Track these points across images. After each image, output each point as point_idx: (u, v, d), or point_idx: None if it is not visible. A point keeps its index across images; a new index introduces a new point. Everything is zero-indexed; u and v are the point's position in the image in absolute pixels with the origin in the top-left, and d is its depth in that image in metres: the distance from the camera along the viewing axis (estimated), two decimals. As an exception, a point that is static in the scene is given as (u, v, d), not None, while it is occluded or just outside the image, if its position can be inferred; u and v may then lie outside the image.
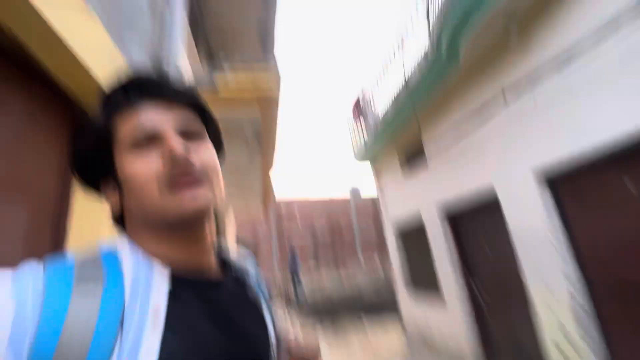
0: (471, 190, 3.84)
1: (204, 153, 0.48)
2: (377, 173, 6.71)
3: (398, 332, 7.71)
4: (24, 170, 1.07)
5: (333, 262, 16.53)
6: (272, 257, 15.60)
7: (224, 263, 0.56)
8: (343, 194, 18.15)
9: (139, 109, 0.47)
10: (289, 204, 16.80)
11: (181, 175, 0.44)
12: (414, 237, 5.56)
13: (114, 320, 0.37)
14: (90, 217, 1.29)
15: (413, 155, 5.43)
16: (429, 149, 4.58)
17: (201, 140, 0.50)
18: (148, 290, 0.41)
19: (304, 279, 12.32)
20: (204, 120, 0.53)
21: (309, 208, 17.25)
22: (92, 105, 1.35)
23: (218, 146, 0.56)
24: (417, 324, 5.42)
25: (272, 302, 0.64)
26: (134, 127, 0.46)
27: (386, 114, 5.07)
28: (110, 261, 0.42)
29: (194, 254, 0.49)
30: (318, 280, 12.71)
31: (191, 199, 0.44)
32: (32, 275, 0.37)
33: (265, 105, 2.17)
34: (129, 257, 0.44)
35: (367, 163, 6.69)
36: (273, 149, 3.18)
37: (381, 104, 5.67)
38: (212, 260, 0.52)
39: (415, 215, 5.23)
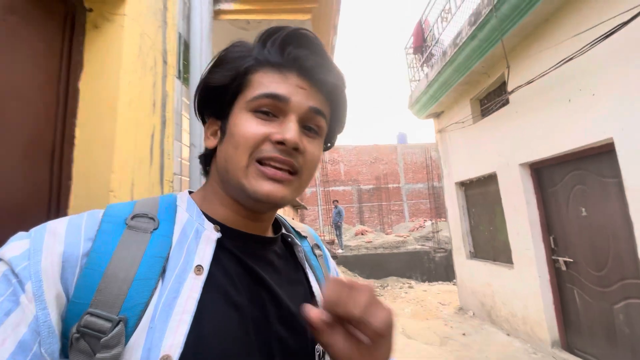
0: (573, 138, 3.03)
1: (312, 151, 0.47)
2: (438, 118, 5.86)
3: (449, 290, 7.45)
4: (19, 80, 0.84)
5: (377, 210, 16.30)
6: (317, 202, 15.75)
7: (281, 237, 0.56)
8: (389, 140, 17.31)
9: (283, 76, 0.46)
10: (333, 150, 16.35)
11: (277, 162, 0.44)
12: (479, 189, 4.90)
13: (155, 269, 0.38)
14: (98, 144, 0.99)
15: (490, 99, 4.53)
16: (515, 90, 3.67)
17: (317, 135, 0.49)
18: (194, 249, 0.42)
19: (346, 232, 12.31)
20: (334, 109, 0.52)
21: (353, 154, 16.70)
22: (99, 8, 1.07)
23: (328, 143, 0.56)
24: (474, 288, 5.00)
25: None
26: (267, 90, 0.45)
27: (460, 48, 4.10)
28: (165, 215, 0.44)
29: (250, 225, 0.49)
30: (361, 231, 12.62)
31: (268, 191, 0.43)
32: (88, 221, 0.40)
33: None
34: (184, 213, 0.46)
35: (424, 109, 5.74)
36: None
37: (453, 33, 4.64)
38: (266, 232, 0.53)
39: (486, 164, 4.50)
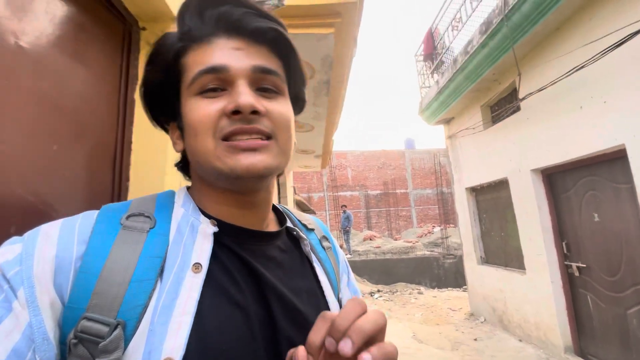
0: (583, 144, 3.08)
1: (277, 110, 0.43)
2: (449, 124, 5.93)
3: (459, 296, 7.44)
4: (79, 98, 0.91)
5: (385, 216, 16.31)
6: (324, 207, 15.83)
7: (285, 230, 0.53)
8: (397, 145, 17.35)
9: (212, 45, 0.42)
10: (341, 155, 16.46)
11: (243, 133, 0.40)
12: (490, 195, 4.94)
13: (152, 270, 0.36)
14: (152, 148, 1.08)
15: (501, 105, 4.59)
16: (526, 97, 3.73)
17: (277, 94, 0.44)
18: (191, 245, 0.40)
19: (354, 237, 12.32)
20: (285, 62, 0.46)
21: (361, 159, 16.78)
22: (151, 27, 1.19)
23: (298, 102, 0.51)
24: (485, 294, 5.02)
25: (341, 275, 0.59)
26: (202, 66, 0.41)
27: (472, 55, 4.19)
28: (162, 212, 0.42)
29: (247, 216, 0.46)
30: (369, 236, 12.64)
31: (248, 163, 0.40)
32: (82, 223, 0.38)
33: (343, 15, 1.67)
34: (180, 209, 0.44)
35: (434, 116, 5.82)
36: (340, 95, 2.73)
37: (463, 41, 4.73)
38: (267, 225, 0.50)
39: (497, 170, 4.55)
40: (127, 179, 1.07)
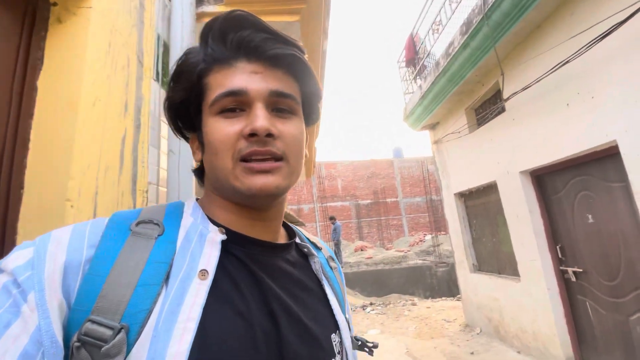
0: (572, 143, 2.95)
1: (290, 133, 0.45)
2: (434, 129, 5.81)
3: (454, 306, 7.21)
4: None
5: (376, 225, 16.09)
6: (315, 218, 15.57)
7: (294, 245, 0.54)
8: (385, 154, 17.39)
9: (233, 68, 0.44)
10: (330, 165, 16.30)
11: (257, 155, 0.43)
12: (480, 199, 4.78)
13: (158, 275, 0.37)
14: (55, 147, 0.84)
15: (485, 108, 4.49)
16: (510, 97, 3.62)
17: (292, 115, 0.47)
18: (198, 253, 0.41)
19: (345, 248, 12.09)
20: (301, 83, 0.49)
21: (350, 169, 16.64)
22: (64, 2, 0.98)
23: (312, 116, 0.54)
24: (480, 303, 4.80)
25: (344, 298, 0.58)
26: (223, 89, 0.44)
27: (453, 57, 4.09)
28: (171, 220, 0.43)
29: (257, 227, 0.48)
30: (360, 247, 12.39)
31: (261, 184, 0.42)
32: (92, 228, 0.39)
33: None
34: (189, 217, 0.45)
35: (418, 121, 5.68)
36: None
37: (444, 44, 4.65)
38: (277, 238, 0.51)
39: (485, 174, 4.41)
40: (21, 186, 0.83)
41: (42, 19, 0.96)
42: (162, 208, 0.45)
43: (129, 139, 1.08)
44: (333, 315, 0.50)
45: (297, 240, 0.55)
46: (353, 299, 8.12)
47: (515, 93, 3.44)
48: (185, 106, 0.48)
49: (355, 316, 6.57)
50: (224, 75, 0.44)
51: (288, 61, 0.46)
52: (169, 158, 1.22)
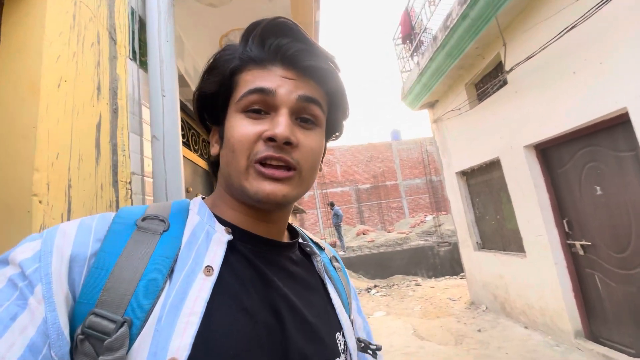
0: (579, 113, 2.83)
1: (308, 144, 0.45)
2: (433, 108, 5.66)
3: (458, 284, 7.24)
4: None
5: (377, 209, 16.09)
6: (315, 204, 15.55)
7: (298, 245, 0.55)
8: (383, 137, 17.27)
9: (266, 70, 0.45)
10: (329, 151, 16.16)
11: (272, 160, 0.43)
12: (482, 177, 4.69)
13: (162, 270, 0.37)
14: (15, 135, 0.74)
15: (486, 82, 4.34)
16: (513, 69, 3.47)
17: (315, 126, 0.47)
18: (204, 250, 0.41)
19: (347, 232, 12.09)
20: (330, 96, 0.50)
21: (349, 154, 16.51)
22: None
23: (335, 131, 0.55)
24: (485, 281, 4.78)
25: (351, 300, 0.59)
26: (252, 85, 0.44)
27: (452, 30, 3.90)
28: (177, 217, 0.44)
29: (263, 226, 0.48)
30: (362, 231, 12.39)
31: (269, 191, 0.42)
32: (99, 222, 0.39)
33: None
34: (196, 216, 0.45)
35: (417, 100, 5.52)
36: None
37: (441, 17, 4.45)
38: (281, 238, 0.52)
39: (488, 150, 4.30)
40: (-22, 182, 0.73)
41: (-9, -11, 0.83)
42: (167, 205, 0.46)
43: (105, 125, 0.97)
44: (336, 315, 0.50)
45: (300, 240, 0.56)
46: (357, 282, 8.15)
47: (518, 64, 3.30)
48: (214, 99, 0.48)
49: (360, 298, 6.59)
50: (256, 75, 0.45)
51: (321, 74, 0.46)
52: (153, 145, 1.11)
